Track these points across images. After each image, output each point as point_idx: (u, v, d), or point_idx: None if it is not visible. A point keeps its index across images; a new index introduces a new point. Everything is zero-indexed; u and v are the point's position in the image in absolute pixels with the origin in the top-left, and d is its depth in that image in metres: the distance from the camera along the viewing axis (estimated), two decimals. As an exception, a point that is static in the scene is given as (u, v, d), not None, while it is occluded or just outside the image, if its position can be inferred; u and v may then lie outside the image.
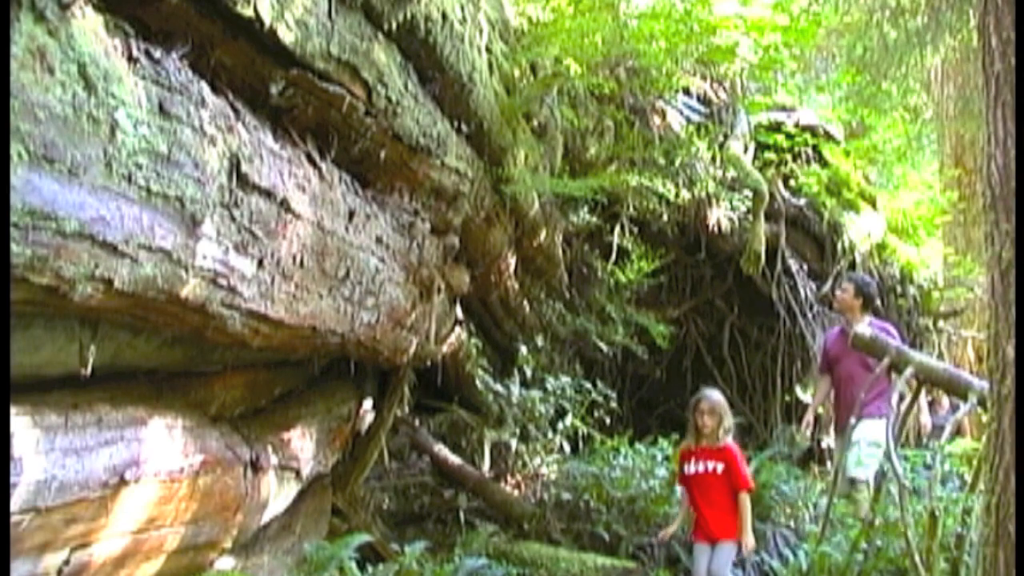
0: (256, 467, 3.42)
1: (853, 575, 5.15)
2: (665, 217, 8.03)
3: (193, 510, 2.94)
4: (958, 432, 6.68)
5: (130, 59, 2.18)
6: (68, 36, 1.94)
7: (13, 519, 2.11)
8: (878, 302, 6.77)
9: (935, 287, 10.84)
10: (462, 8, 4.06)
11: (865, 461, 5.86)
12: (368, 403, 5.26)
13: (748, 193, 8.56)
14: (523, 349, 7.87)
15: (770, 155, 8.92)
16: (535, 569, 5.67)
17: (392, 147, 3.75)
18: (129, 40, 2.21)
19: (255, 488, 3.42)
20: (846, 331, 6.15)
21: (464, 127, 4.46)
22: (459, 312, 5.97)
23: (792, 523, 6.55)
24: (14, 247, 1.80)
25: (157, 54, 2.31)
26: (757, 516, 6.35)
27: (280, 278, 2.89)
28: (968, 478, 5.14)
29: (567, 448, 7.89)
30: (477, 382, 7.26)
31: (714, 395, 5.40)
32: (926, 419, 6.76)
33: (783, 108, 9.36)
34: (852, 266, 9.39)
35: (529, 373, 7.92)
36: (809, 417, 6.56)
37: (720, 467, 5.14)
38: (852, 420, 5.57)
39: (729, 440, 5.26)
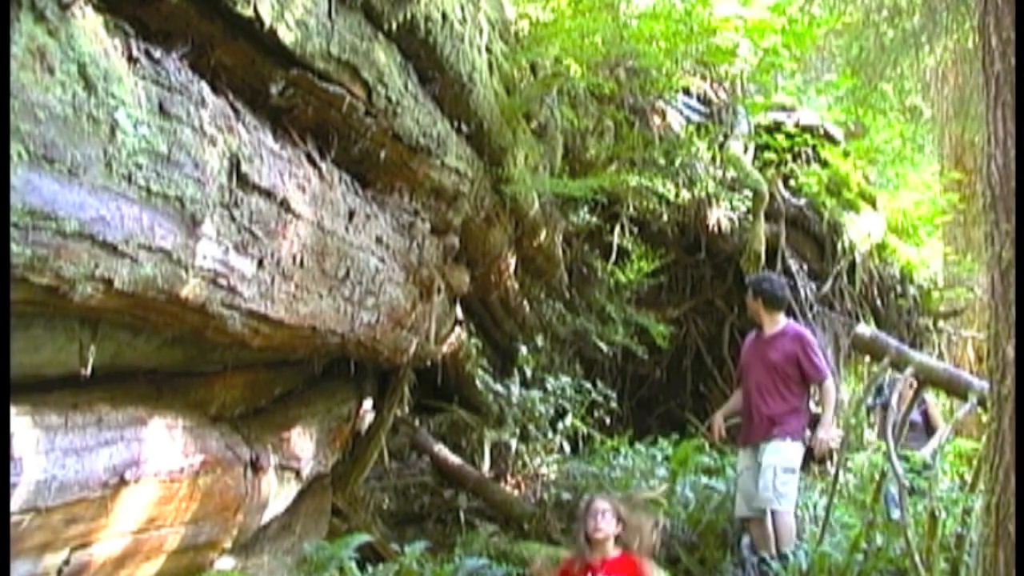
0: (256, 467, 3.42)
1: (853, 575, 5.15)
2: (665, 217, 8.04)
3: (193, 510, 2.94)
4: (928, 422, 6.53)
5: (130, 59, 2.18)
6: (68, 36, 1.94)
7: (13, 519, 2.11)
8: (784, 299, 5.87)
9: (935, 287, 10.84)
10: (462, 8, 4.06)
11: (782, 490, 5.27)
12: (368, 403, 5.26)
13: (748, 193, 8.57)
14: (523, 349, 7.88)
15: (770, 155, 8.92)
16: (535, 569, 5.67)
17: (392, 147, 3.75)
18: (129, 40, 2.21)
19: (255, 488, 3.42)
20: (760, 337, 5.70)
21: (464, 127, 4.46)
22: (459, 312, 5.97)
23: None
24: (14, 247, 1.80)
25: (157, 54, 2.31)
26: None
27: (280, 278, 2.89)
28: (968, 478, 5.16)
29: (567, 448, 7.89)
30: (477, 382, 7.27)
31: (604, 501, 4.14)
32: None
33: (783, 108, 9.36)
34: (852, 266, 9.40)
35: (529, 373, 7.92)
36: (715, 420, 5.89)
37: None
38: (763, 442, 5.26)
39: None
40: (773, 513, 5.29)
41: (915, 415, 6.86)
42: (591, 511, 4.02)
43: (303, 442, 4.06)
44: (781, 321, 5.72)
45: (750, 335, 5.91)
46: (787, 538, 5.25)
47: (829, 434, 5.39)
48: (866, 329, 6.18)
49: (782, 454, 5.28)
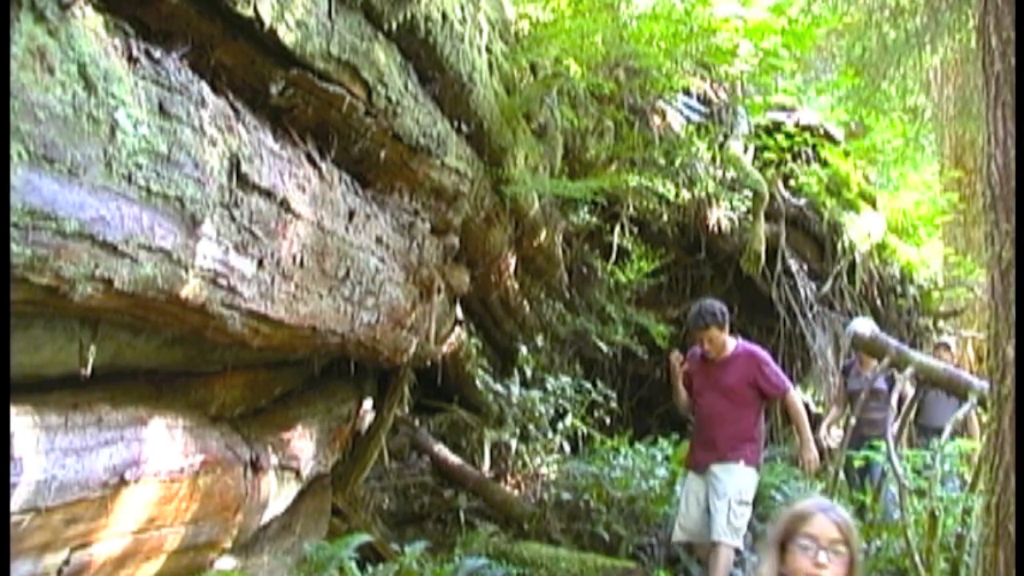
0: (256, 467, 3.42)
1: (853, 575, 5.14)
2: (665, 217, 8.04)
3: (193, 510, 2.94)
4: (900, 401, 6.43)
5: (130, 59, 2.18)
6: (68, 36, 1.94)
7: (13, 519, 2.11)
8: (720, 319, 5.31)
9: (935, 287, 10.84)
10: (462, 8, 4.06)
11: (735, 524, 5.00)
12: (368, 403, 5.26)
13: (748, 193, 8.57)
14: (523, 349, 7.87)
15: (770, 155, 8.93)
16: (535, 569, 5.67)
17: (392, 147, 3.75)
18: (129, 40, 2.21)
19: (255, 488, 3.42)
20: (709, 360, 5.28)
21: (464, 127, 4.46)
22: (459, 312, 5.97)
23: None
24: (14, 247, 1.80)
25: (157, 54, 2.31)
26: (757, 516, 6.35)
27: (280, 278, 2.88)
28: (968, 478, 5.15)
29: (567, 448, 7.89)
30: (477, 382, 7.26)
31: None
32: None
33: (783, 108, 9.37)
34: (852, 266, 9.40)
35: (529, 373, 7.91)
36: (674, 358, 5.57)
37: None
38: (714, 467, 4.99)
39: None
40: (717, 544, 5.01)
41: (880, 383, 6.79)
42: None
43: (303, 442, 4.06)
44: (731, 343, 5.36)
45: (693, 356, 5.50)
46: (723, 571, 4.98)
47: (813, 453, 5.11)
48: (866, 329, 6.16)
49: (737, 481, 5.00)
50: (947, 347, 8.04)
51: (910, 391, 6.35)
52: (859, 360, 6.99)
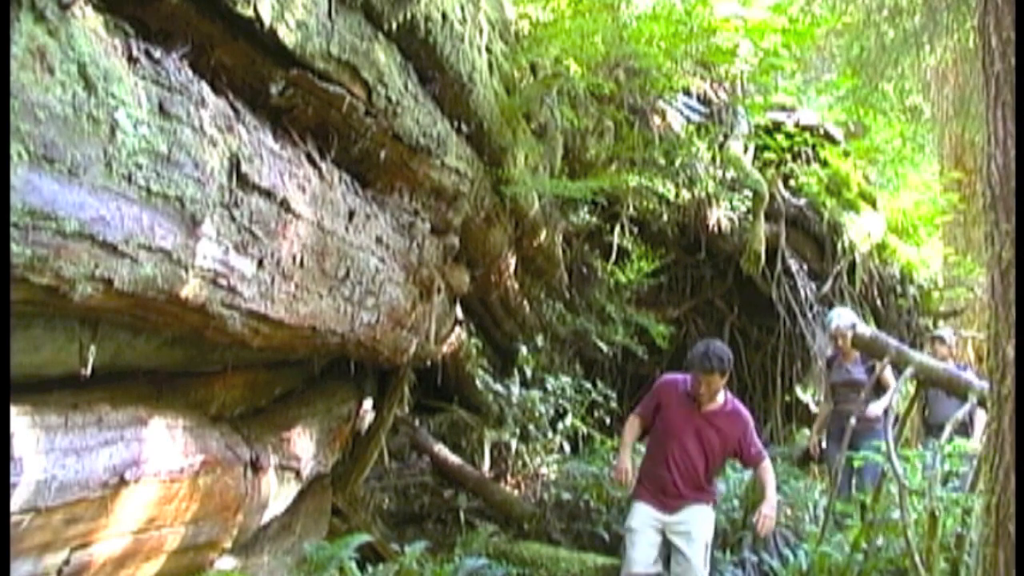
0: (256, 467, 3.42)
1: (853, 575, 5.15)
2: (665, 217, 8.05)
3: (193, 510, 2.94)
4: (877, 383, 6.39)
5: (130, 59, 2.18)
6: (68, 36, 1.94)
7: (13, 519, 2.11)
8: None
9: (935, 287, 10.85)
10: (462, 8, 4.06)
11: (706, 564, 4.80)
12: (368, 403, 5.26)
13: (748, 193, 8.58)
14: (523, 349, 7.88)
15: (770, 155, 8.93)
16: (535, 569, 5.68)
17: (392, 147, 3.75)
18: (129, 40, 2.21)
19: (255, 488, 3.42)
20: (695, 403, 4.87)
21: (464, 127, 4.46)
22: (459, 312, 5.97)
23: (792, 523, 6.56)
24: (14, 247, 1.80)
25: (157, 54, 2.31)
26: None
27: (280, 278, 2.89)
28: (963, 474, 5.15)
29: (567, 448, 7.89)
30: (477, 382, 7.28)
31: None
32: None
33: (783, 108, 9.38)
34: (852, 266, 9.41)
35: (529, 373, 7.93)
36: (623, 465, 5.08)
37: None
38: (684, 511, 4.75)
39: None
40: None
41: (860, 374, 6.80)
42: None
43: (303, 442, 4.06)
44: (722, 394, 4.94)
45: (671, 383, 5.08)
46: None
47: (772, 512, 4.84)
48: (866, 329, 6.17)
49: (707, 525, 4.84)
50: (942, 340, 7.98)
51: (891, 380, 6.35)
52: (841, 352, 6.97)
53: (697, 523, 4.79)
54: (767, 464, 5.03)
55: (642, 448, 5.49)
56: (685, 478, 4.83)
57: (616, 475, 5.12)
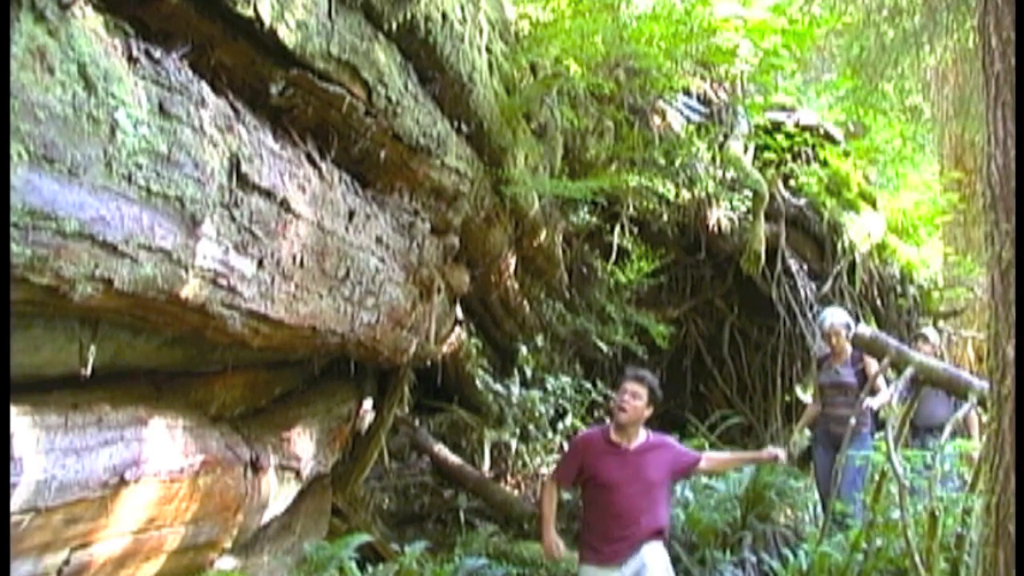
0: (256, 467, 3.42)
1: (853, 575, 5.15)
2: (665, 217, 8.05)
3: (193, 510, 2.94)
4: (866, 383, 6.37)
5: (130, 59, 2.18)
6: (68, 36, 1.94)
7: (13, 519, 2.11)
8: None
9: (935, 287, 10.84)
10: (462, 8, 4.06)
11: None
12: (368, 403, 5.26)
13: (748, 193, 8.58)
14: (523, 349, 7.88)
15: (770, 155, 8.93)
16: (535, 569, 5.68)
17: (392, 147, 3.75)
18: (129, 40, 2.21)
19: (255, 488, 3.42)
20: (620, 449, 4.57)
21: (464, 127, 4.46)
22: (459, 312, 5.98)
23: (792, 523, 6.56)
24: (14, 247, 1.80)
25: (157, 54, 2.31)
26: (757, 516, 6.35)
27: (280, 278, 2.89)
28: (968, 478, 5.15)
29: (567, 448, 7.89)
30: (477, 382, 7.28)
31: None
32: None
33: (783, 108, 9.38)
34: (852, 266, 9.41)
35: (529, 373, 7.93)
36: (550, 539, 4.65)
37: None
38: (642, 553, 4.42)
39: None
40: None
41: (849, 377, 6.75)
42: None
43: (303, 442, 4.06)
44: (642, 431, 4.69)
45: (587, 437, 4.82)
46: None
47: (771, 452, 5.04)
48: (866, 329, 6.16)
49: (665, 561, 4.59)
50: (925, 339, 7.92)
51: (882, 385, 6.32)
52: (833, 352, 6.93)
53: (655, 564, 4.49)
54: (707, 453, 5.19)
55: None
56: (629, 531, 4.52)
57: (547, 553, 4.72)
